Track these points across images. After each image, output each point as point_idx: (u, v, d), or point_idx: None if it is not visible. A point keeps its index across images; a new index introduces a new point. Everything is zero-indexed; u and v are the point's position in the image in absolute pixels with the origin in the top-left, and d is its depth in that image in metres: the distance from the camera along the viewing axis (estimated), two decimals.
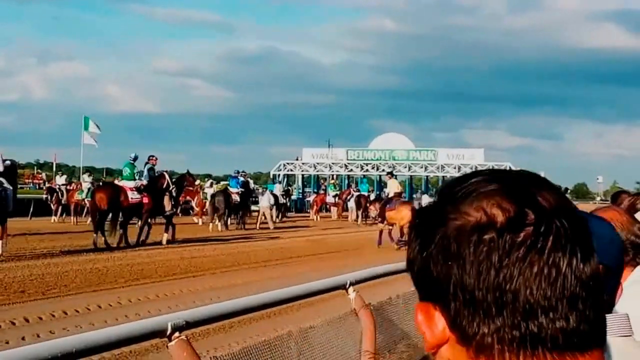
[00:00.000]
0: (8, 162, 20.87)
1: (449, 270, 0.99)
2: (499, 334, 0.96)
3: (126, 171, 26.82)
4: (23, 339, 9.86)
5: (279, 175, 72.08)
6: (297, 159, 76.33)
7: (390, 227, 28.16)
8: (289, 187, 66.51)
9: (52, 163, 75.67)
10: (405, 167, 71.34)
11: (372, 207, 31.59)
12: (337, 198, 55.01)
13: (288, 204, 56.19)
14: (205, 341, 9.61)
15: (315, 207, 55.34)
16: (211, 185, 44.54)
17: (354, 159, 74.09)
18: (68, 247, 23.03)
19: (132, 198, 25.58)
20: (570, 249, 0.97)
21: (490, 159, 71.97)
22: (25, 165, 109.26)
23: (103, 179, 59.78)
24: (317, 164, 74.41)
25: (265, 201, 40.98)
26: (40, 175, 74.14)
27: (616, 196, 5.41)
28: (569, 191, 79.81)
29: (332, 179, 66.18)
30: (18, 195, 23.77)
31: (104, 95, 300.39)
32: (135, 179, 26.35)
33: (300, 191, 75.65)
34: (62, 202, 40.07)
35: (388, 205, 28.24)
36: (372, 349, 5.96)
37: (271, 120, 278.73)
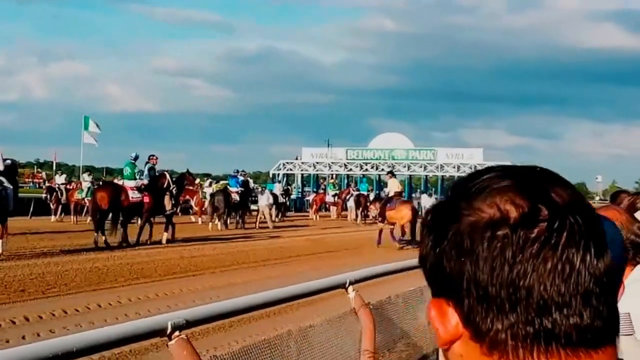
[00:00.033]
0: (9, 162, 20.87)
1: (462, 267, 0.99)
2: (512, 330, 0.96)
3: (127, 170, 26.84)
4: (23, 337, 9.86)
5: (278, 174, 72.06)
6: (296, 159, 76.35)
7: (392, 227, 28.17)
8: (289, 187, 66.49)
9: (52, 162, 75.60)
10: (405, 167, 71.35)
11: (372, 206, 31.59)
12: (336, 197, 54.97)
13: (287, 203, 56.18)
14: (205, 340, 9.62)
15: (314, 207, 55.33)
16: (210, 185, 44.51)
17: (354, 159, 74.10)
18: (68, 246, 23.03)
19: (132, 197, 25.61)
20: (584, 245, 0.97)
21: (489, 158, 71.87)
22: (25, 164, 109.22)
23: (103, 178, 59.74)
24: (317, 163, 74.43)
25: (264, 200, 40.98)
26: (40, 175, 74.03)
27: (615, 196, 5.43)
28: None
29: (332, 178, 66.13)
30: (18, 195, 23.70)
31: (104, 94, 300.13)
32: (136, 179, 26.37)
33: (300, 190, 75.65)
34: (62, 201, 40.06)
35: (388, 205, 28.24)
36: (371, 348, 5.97)
37: (271, 119, 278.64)
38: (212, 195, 37.76)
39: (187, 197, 39.14)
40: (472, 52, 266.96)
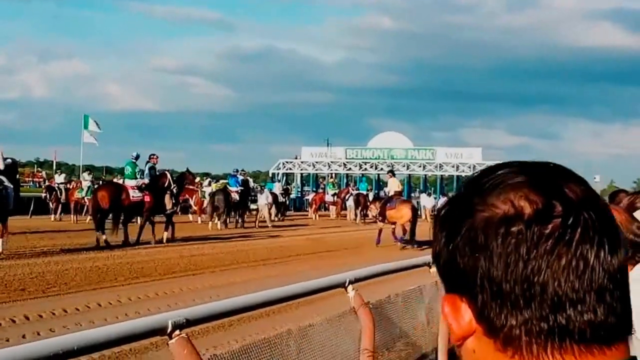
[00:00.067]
0: (9, 161, 20.88)
1: (476, 262, 0.99)
2: (526, 326, 0.97)
3: (128, 170, 26.88)
4: (23, 336, 9.88)
5: (278, 174, 72.12)
6: (296, 158, 76.40)
7: (393, 226, 28.17)
8: (288, 186, 66.52)
9: (52, 161, 75.57)
10: (404, 166, 71.43)
11: (372, 206, 31.59)
12: (335, 197, 55.02)
13: (287, 202, 56.21)
14: (204, 339, 9.62)
15: (314, 206, 55.37)
16: (209, 184, 44.52)
17: (353, 158, 74.16)
18: (68, 246, 23.05)
19: (133, 196, 25.64)
20: (598, 241, 0.97)
21: (489, 158, 71.84)
22: (25, 163, 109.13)
23: (103, 177, 59.74)
24: (316, 162, 74.49)
25: (263, 199, 41.04)
26: (40, 174, 74.03)
27: (614, 195, 5.45)
28: None
29: (331, 177, 66.21)
30: None
31: (104, 93, 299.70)
32: (136, 178, 26.40)
33: (299, 190, 75.69)
34: (61, 200, 40.07)
35: (388, 204, 28.26)
36: (370, 347, 5.98)
37: (270, 118, 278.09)
38: (212, 194, 37.76)
39: (186, 196, 39.16)
40: (471, 51, 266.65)
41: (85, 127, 51.54)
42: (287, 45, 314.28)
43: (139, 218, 26.86)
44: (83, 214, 38.67)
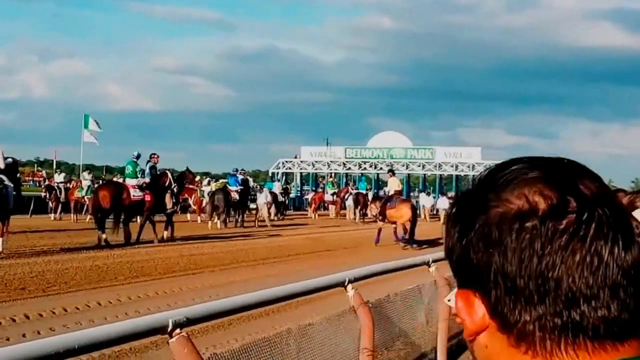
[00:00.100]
0: (10, 160, 20.89)
1: (490, 258, 0.99)
2: (540, 322, 0.97)
3: (128, 169, 26.91)
4: (24, 335, 9.88)
5: (277, 173, 72.14)
6: (295, 157, 76.39)
7: (394, 226, 28.16)
8: (288, 186, 66.52)
9: (53, 161, 75.53)
10: (403, 166, 71.38)
11: (372, 205, 31.59)
12: (335, 196, 55.02)
13: (286, 202, 56.21)
14: (204, 339, 9.63)
15: (313, 205, 55.34)
16: (209, 184, 44.51)
17: (352, 157, 74.17)
18: (68, 245, 23.06)
19: (134, 196, 25.66)
20: (612, 237, 0.96)
21: (488, 157, 71.86)
22: (25, 163, 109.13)
23: (103, 176, 59.72)
24: (316, 162, 74.47)
25: (262, 199, 41.06)
26: (40, 173, 74.05)
27: None
28: None
29: (331, 177, 66.17)
30: None
31: (104, 93, 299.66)
32: (137, 177, 26.42)
33: (299, 189, 75.67)
34: (61, 200, 40.08)
35: (388, 204, 28.25)
36: (370, 347, 5.99)
37: (270, 118, 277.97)
38: (212, 194, 37.76)
39: (185, 195, 39.19)
40: (471, 51, 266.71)
41: (86, 126, 51.56)
42: (287, 45, 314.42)
43: (138, 218, 26.88)
44: (83, 213, 38.70)
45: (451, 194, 62.03)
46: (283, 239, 29.82)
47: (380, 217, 28.64)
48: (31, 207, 39.54)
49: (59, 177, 43.56)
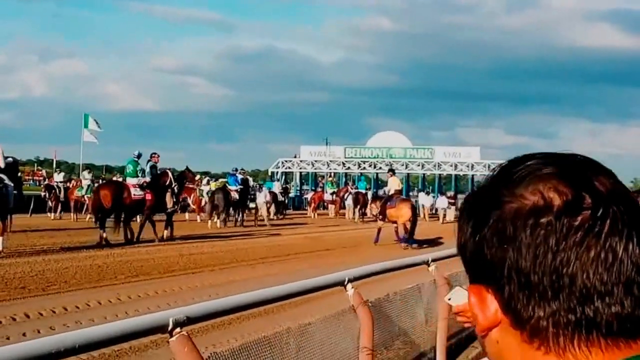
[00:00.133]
0: (10, 159, 20.90)
1: (504, 254, 0.98)
2: (554, 318, 0.96)
3: (129, 168, 26.92)
4: (24, 334, 9.90)
5: (277, 172, 72.11)
6: (295, 157, 76.37)
7: (395, 225, 28.16)
8: (287, 185, 66.52)
9: (52, 160, 75.57)
10: (403, 165, 71.33)
11: (373, 205, 31.59)
12: (334, 196, 55.03)
13: (286, 201, 56.21)
14: (203, 338, 9.64)
15: (313, 205, 55.33)
16: (208, 183, 44.52)
17: (352, 157, 74.15)
18: (68, 244, 23.08)
19: (134, 195, 25.67)
20: (627, 233, 0.96)
21: (487, 157, 72.04)
22: (25, 162, 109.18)
23: (103, 176, 59.72)
24: (315, 161, 74.45)
25: (261, 198, 41.08)
26: (40, 172, 74.05)
27: None
28: None
29: (330, 176, 66.12)
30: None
31: (104, 93, 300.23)
32: (138, 176, 26.44)
33: (298, 189, 75.66)
34: (60, 199, 40.07)
35: (389, 203, 28.26)
36: (369, 346, 6.00)
37: (270, 118, 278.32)
38: (212, 193, 37.78)
39: (185, 194, 39.22)
40: (470, 51, 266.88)
41: (86, 126, 51.55)
42: (286, 46, 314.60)
43: (138, 217, 26.90)
44: (83, 212, 38.73)
45: (450, 193, 62.06)
46: (282, 239, 29.83)
47: (381, 217, 28.65)
48: (31, 207, 39.54)
49: (58, 177, 43.56)
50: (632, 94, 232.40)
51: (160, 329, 3.97)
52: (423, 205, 52.89)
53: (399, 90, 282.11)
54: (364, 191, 51.05)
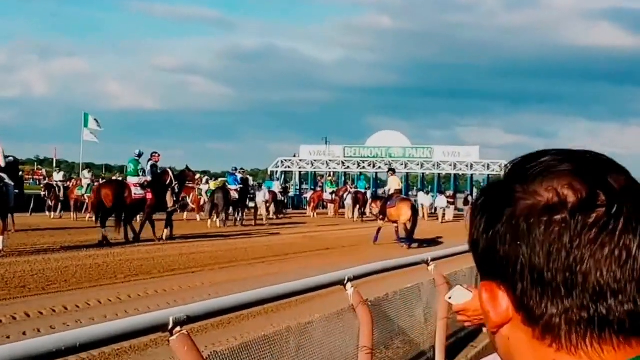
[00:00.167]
0: (11, 159, 20.93)
1: (518, 250, 0.98)
2: (567, 315, 0.96)
3: (130, 167, 27.00)
4: (24, 333, 9.91)
5: (276, 172, 72.05)
6: (294, 156, 76.32)
7: (395, 225, 28.16)
8: (287, 185, 66.53)
9: (53, 159, 75.54)
10: (402, 165, 71.26)
11: (373, 205, 31.60)
12: (334, 195, 55.04)
13: (285, 201, 56.22)
14: (203, 337, 9.65)
15: (312, 204, 55.30)
16: (207, 182, 44.52)
17: (351, 156, 74.07)
18: (68, 243, 23.08)
19: (135, 194, 25.69)
20: None
21: (486, 156, 72.03)
22: (25, 161, 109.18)
23: (103, 175, 59.75)
24: (315, 161, 74.37)
25: (260, 197, 41.11)
26: (40, 171, 74.06)
27: None
28: None
29: (329, 176, 66.12)
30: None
31: (104, 91, 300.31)
32: (139, 175, 26.46)
33: (298, 188, 75.64)
34: (60, 198, 40.06)
35: (389, 203, 28.27)
36: (369, 345, 6.01)
37: (269, 117, 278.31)
38: (212, 192, 37.79)
39: (184, 194, 39.27)
40: (469, 50, 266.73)
41: (86, 125, 51.52)
42: (286, 44, 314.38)
43: (138, 217, 26.91)
44: (83, 211, 38.74)
45: (449, 192, 62.07)
46: (282, 238, 29.84)
47: (381, 217, 28.66)
48: (31, 206, 39.56)
49: (57, 176, 43.51)
50: (632, 93, 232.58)
51: (161, 327, 3.98)
52: (422, 205, 52.86)
53: (398, 89, 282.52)
54: (363, 190, 51.07)
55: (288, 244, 26.65)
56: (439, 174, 73.83)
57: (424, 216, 49.08)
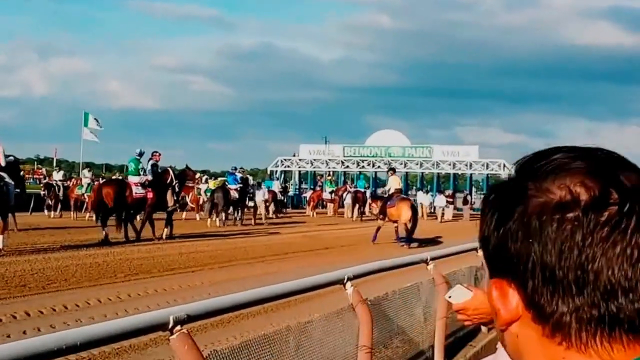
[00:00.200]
0: (11, 158, 20.95)
1: (529, 248, 0.98)
2: (578, 313, 0.96)
3: (131, 166, 27.01)
4: (24, 332, 9.92)
5: (276, 171, 72.08)
6: (294, 155, 76.34)
7: (395, 225, 28.16)
8: (286, 184, 66.55)
9: (53, 158, 75.52)
10: (401, 164, 71.23)
11: (374, 204, 31.61)
12: (333, 194, 55.06)
13: (285, 200, 56.22)
14: (202, 336, 9.67)
15: (311, 203, 55.29)
16: (206, 181, 44.53)
17: (351, 156, 74.09)
18: (68, 242, 23.09)
19: (136, 193, 25.70)
20: None
21: (485, 155, 72.06)
22: (25, 160, 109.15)
23: (103, 174, 59.74)
24: (314, 160, 74.41)
25: (260, 196, 41.13)
26: (40, 171, 74.01)
27: None
28: None
29: (329, 175, 66.13)
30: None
31: (104, 91, 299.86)
32: (139, 174, 26.47)
33: (297, 187, 75.65)
34: (60, 197, 40.05)
35: (389, 202, 28.27)
36: (368, 344, 6.02)
37: (269, 116, 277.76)
38: (212, 192, 37.81)
39: (183, 193, 39.28)
40: (468, 49, 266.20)
41: (86, 124, 51.53)
42: (286, 44, 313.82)
43: (138, 217, 26.92)
44: (83, 211, 38.75)
45: (448, 192, 62.13)
46: (281, 237, 29.86)
47: (381, 216, 28.68)
48: (31, 205, 39.57)
49: (57, 175, 43.51)
50: (631, 92, 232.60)
51: (161, 326, 3.99)
52: (421, 204, 52.86)
53: (398, 88, 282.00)
54: (362, 190, 51.05)
55: (287, 243, 26.66)
56: (438, 174, 73.84)
57: (423, 215, 49.05)
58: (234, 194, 37.30)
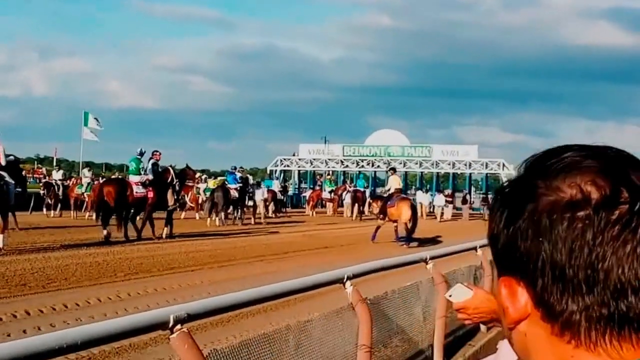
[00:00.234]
0: (12, 158, 20.96)
1: (539, 246, 0.97)
2: (587, 312, 0.95)
3: (132, 165, 27.03)
4: (24, 331, 9.92)
5: (275, 171, 72.04)
6: (293, 155, 76.32)
7: (395, 225, 28.16)
8: (286, 184, 66.54)
9: (53, 158, 75.46)
10: (401, 164, 71.16)
11: (374, 204, 31.62)
12: (332, 194, 55.06)
13: (284, 199, 56.21)
14: (202, 335, 9.68)
15: (311, 203, 55.26)
16: (205, 181, 44.51)
17: (350, 155, 74.05)
18: (68, 241, 23.07)
19: (137, 192, 25.71)
20: None
21: (484, 155, 72.02)
22: (25, 160, 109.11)
23: (103, 174, 59.72)
24: (314, 160, 74.38)
25: (259, 195, 41.13)
26: (40, 170, 73.94)
27: None
28: None
29: (328, 174, 66.11)
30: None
31: (104, 90, 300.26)
32: (140, 174, 26.48)
33: (297, 187, 75.64)
34: (59, 197, 40.03)
35: (389, 202, 28.28)
36: (368, 343, 6.03)
37: (269, 116, 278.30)
38: (212, 191, 37.79)
39: (183, 192, 39.25)
40: (468, 49, 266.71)
41: (85, 124, 51.58)
42: (286, 44, 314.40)
43: (138, 217, 26.93)
44: (82, 210, 38.75)
45: (448, 191, 62.12)
46: (281, 236, 29.87)
47: (381, 216, 28.68)
48: (31, 204, 39.54)
49: (57, 174, 43.51)
50: (630, 91, 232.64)
51: (161, 325, 3.99)
52: (421, 204, 52.87)
53: (397, 88, 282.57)
54: (362, 189, 51.04)
55: (287, 242, 26.66)
56: (437, 173, 73.81)
57: (422, 215, 49.06)
58: (234, 194, 37.28)
